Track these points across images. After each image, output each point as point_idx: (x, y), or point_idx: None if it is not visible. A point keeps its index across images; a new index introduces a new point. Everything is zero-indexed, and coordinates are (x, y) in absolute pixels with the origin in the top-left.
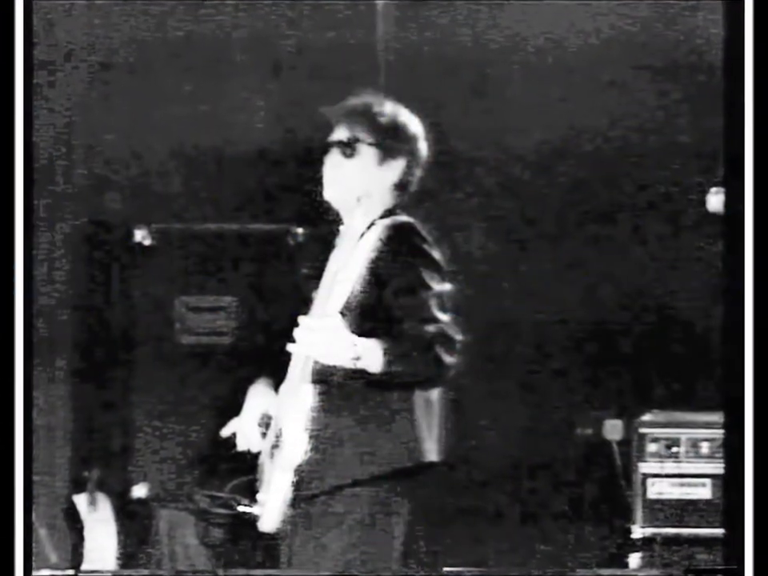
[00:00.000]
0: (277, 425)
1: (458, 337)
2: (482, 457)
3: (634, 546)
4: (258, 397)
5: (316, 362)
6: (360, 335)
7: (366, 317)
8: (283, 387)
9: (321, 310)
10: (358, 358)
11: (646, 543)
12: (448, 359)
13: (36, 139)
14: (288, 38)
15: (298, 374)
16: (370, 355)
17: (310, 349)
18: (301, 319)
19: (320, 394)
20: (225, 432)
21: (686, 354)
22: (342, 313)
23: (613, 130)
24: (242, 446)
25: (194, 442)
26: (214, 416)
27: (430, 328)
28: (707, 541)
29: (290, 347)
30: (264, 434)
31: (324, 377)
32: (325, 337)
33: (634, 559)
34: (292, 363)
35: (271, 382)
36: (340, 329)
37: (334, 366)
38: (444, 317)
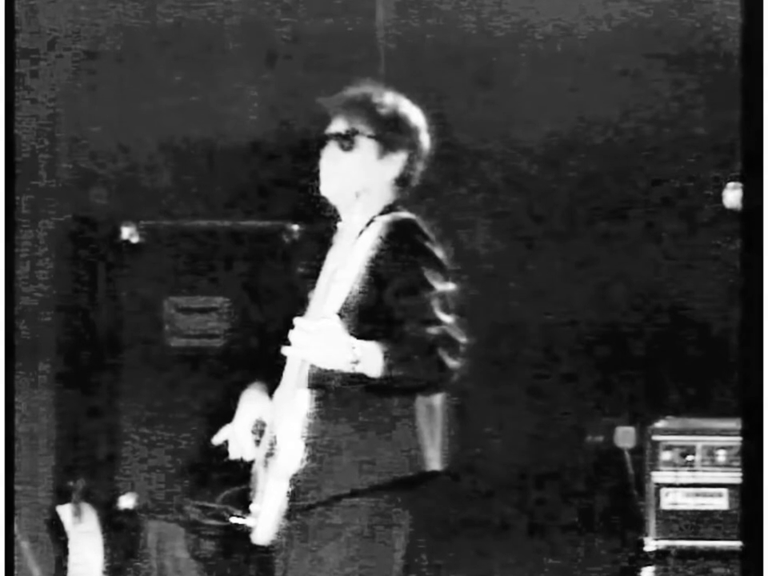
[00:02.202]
0: (271, 432)
1: (462, 339)
2: (487, 465)
3: (647, 559)
4: (252, 402)
5: (312, 366)
6: (359, 338)
7: (365, 318)
8: (278, 392)
9: (318, 311)
10: (356, 362)
11: (660, 556)
12: (451, 363)
13: (18, 131)
14: (283, 25)
15: (294, 379)
16: (370, 359)
17: (307, 352)
18: (297, 321)
19: (317, 399)
20: (216, 439)
21: (702, 357)
22: (339, 314)
23: (625, 122)
24: (234, 454)
25: (184, 450)
26: (205, 423)
27: (433, 330)
28: (724, 554)
29: (285, 350)
30: (258, 442)
31: (321, 381)
32: (322, 339)
33: (647, 573)
34: (287, 367)
35: (265, 387)
36: (338, 331)
37: (332, 370)
38: (447, 318)
